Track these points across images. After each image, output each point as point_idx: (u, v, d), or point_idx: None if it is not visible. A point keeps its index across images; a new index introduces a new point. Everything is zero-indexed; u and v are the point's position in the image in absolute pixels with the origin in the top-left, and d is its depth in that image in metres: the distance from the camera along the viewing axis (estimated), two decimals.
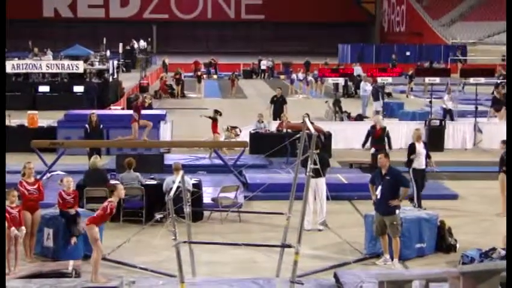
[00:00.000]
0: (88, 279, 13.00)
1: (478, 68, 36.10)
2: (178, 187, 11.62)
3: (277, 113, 30.07)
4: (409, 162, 18.63)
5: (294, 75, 50.93)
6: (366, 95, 37.18)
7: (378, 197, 14.63)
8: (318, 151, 17.22)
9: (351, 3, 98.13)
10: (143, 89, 45.17)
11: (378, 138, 22.32)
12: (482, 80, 31.12)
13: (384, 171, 14.77)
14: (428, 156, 18.91)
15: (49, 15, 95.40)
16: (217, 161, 22.36)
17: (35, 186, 14.81)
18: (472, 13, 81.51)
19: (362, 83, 38.50)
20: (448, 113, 31.27)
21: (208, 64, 64.05)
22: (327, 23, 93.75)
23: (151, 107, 31.07)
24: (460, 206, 19.03)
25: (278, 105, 31.27)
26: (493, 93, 36.01)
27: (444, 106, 31.88)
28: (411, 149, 18.83)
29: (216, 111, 26.24)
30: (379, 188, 14.62)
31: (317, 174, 15.64)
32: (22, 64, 40.46)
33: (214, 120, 25.57)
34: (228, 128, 27.63)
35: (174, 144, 25.50)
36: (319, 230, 16.84)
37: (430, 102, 30.98)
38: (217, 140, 25.34)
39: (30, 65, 40.48)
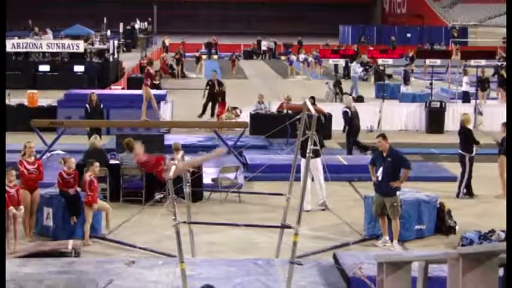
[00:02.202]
0: (88, 259, 13.03)
1: (478, 50, 36.06)
2: None
3: (214, 98, 28.45)
4: (471, 149, 18.53)
5: (293, 57, 50.79)
6: (355, 76, 37.14)
7: (379, 178, 14.62)
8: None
9: None
10: (143, 69, 45.04)
11: None
12: (483, 62, 31.08)
13: (384, 153, 14.76)
14: None
15: None
16: (218, 142, 22.34)
17: (35, 166, 14.82)
18: None
19: (353, 64, 38.39)
20: (465, 95, 31.29)
21: (207, 44, 63.78)
22: (328, 4, 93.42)
23: (160, 87, 31.00)
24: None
25: (214, 89, 28.83)
26: (494, 74, 36.09)
27: (465, 89, 31.82)
28: (472, 134, 18.71)
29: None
30: (380, 169, 14.61)
31: (314, 154, 15.72)
32: (22, 43, 40.38)
33: (219, 101, 25.81)
34: (228, 108, 27.63)
35: (174, 124, 25.50)
36: (323, 210, 16.85)
37: (431, 84, 30.95)
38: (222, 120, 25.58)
39: (31, 44, 40.42)
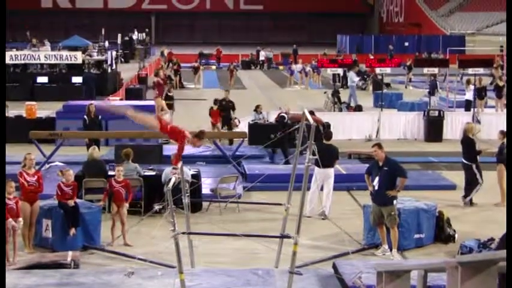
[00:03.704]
0: (87, 270, 13.02)
1: (476, 59, 36.09)
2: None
3: (225, 119, 27.12)
4: (476, 157, 18.42)
5: (294, 66, 50.75)
6: (353, 85, 37.10)
7: (376, 188, 14.62)
8: (330, 142, 17.63)
9: None
10: (142, 80, 45.11)
11: None
12: (480, 70, 31.08)
13: (380, 163, 14.75)
14: None
15: (47, 5, 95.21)
16: (217, 152, 22.35)
17: (35, 178, 14.80)
18: (471, 3, 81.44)
19: (350, 73, 38.33)
20: (468, 104, 31.15)
21: (201, 54, 63.75)
22: (325, 14, 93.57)
23: (173, 98, 31.11)
24: (458, 197, 19.00)
25: (225, 110, 27.29)
26: (491, 83, 36.08)
27: (468, 97, 31.67)
28: (474, 144, 18.63)
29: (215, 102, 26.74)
30: (377, 178, 14.60)
31: (327, 164, 16.31)
32: (20, 55, 40.44)
33: (214, 110, 26.09)
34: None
35: None
36: (323, 219, 16.86)
37: (429, 92, 30.95)
38: (218, 130, 25.80)
39: (29, 56, 40.46)
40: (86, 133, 22.96)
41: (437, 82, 35.33)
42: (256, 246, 14.15)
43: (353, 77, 37.36)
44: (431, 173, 22.04)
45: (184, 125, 26.66)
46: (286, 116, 23.41)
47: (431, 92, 33.90)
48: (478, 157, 18.42)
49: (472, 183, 18.39)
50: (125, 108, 11.81)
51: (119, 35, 54.02)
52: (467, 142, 18.65)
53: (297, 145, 12.51)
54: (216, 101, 27.28)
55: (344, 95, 35.36)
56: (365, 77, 44.15)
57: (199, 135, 11.66)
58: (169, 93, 30.73)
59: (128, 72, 49.10)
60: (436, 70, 32.70)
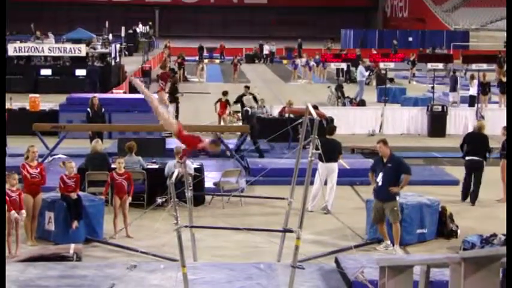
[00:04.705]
0: (90, 263, 13.02)
1: (480, 54, 35.98)
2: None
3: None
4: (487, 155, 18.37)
5: (298, 60, 50.62)
6: (363, 80, 37.01)
7: (379, 184, 14.58)
8: (333, 137, 17.65)
9: None
10: (146, 73, 45.07)
11: None
12: (484, 66, 30.99)
13: (385, 159, 14.72)
14: None
15: None
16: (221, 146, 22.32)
17: (38, 170, 14.81)
18: None
19: (360, 67, 38.20)
20: (472, 99, 30.99)
21: (200, 49, 63.77)
22: (329, 8, 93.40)
23: (178, 90, 31.17)
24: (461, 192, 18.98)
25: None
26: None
27: (472, 93, 31.51)
28: (488, 140, 18.45)
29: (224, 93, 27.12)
30: (380, 174, 14.57)
31: (330, 159, 16.14)
32: (24, 47, 40.37)
33: (223, 102, 26.38)
34: (230, 112, 27.67)
35: None
36: (325, 214, 16.84)
37: (432, 87, 30.91)
38: (225, 121, 26.02)
39: (32, 48, 40.38)
40: (89, 126, 22.97)
41: (458, 77, 35.03)
42: (258, 240, 14.15)
43: (363, 71, 37.19)
44: (434, 168, 22.01)
45: (188, 119, 26.71)
46: (249, 110, 23.67)
47: (453, 88, 33.72)
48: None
49: (477, 183, 18.29)
50: (152, 98, 11.54)
51: (123, 28, 53.94)
52: (480, 139, 18.43)
53: (300, 139, 12.49)
54: (225, 92, 27.35)
55: (348, 90, 35.24)
56: (369, 71, 44.07)
57: (216, 143, 11.49)
58: (176, 85, 30.91)
59: (131, 65, 49.07)
60: (439, 65, 32.54)
